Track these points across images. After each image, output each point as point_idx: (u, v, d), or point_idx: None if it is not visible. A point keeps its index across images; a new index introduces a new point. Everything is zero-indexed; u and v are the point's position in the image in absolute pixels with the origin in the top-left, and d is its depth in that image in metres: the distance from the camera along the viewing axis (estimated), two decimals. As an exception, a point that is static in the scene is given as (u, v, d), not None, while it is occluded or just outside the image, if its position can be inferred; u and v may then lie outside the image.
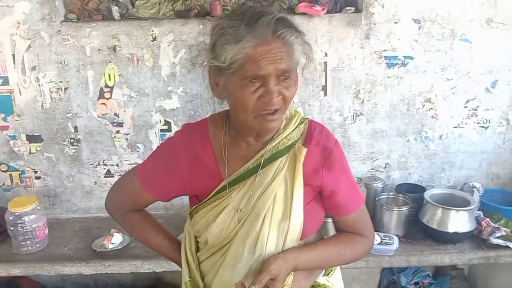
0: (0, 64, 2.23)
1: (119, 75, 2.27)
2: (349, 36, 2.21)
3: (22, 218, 2.02)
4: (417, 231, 2.16)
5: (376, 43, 2.22)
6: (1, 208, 2.18)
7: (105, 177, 2.42)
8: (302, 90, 2.28)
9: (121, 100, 2.31)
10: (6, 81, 2.26)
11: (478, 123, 2.36)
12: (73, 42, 2.21)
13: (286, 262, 1.12)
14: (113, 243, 2.08)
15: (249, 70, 1.02)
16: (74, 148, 2.37)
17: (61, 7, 2.22)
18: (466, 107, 2.33)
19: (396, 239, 2.06)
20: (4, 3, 2.14)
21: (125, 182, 1.31)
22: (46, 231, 2.14)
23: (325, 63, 2.25)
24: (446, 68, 2.26)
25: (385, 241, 2.03)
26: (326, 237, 1.34)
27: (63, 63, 2.24)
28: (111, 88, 2.29)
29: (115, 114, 2.33)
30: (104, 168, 2.41)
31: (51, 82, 2.27)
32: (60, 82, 2.27)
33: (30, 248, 2.07)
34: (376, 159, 2.42)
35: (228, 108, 1.18)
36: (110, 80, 2.27)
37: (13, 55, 2.22)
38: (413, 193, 2.22)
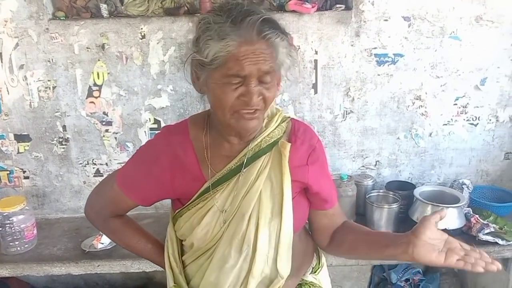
0: (-13, 62, 2.20)
1: (108, 73, 2.25)
2: (339, 34, 2.21)
3: (10, 219, 2.00)
4: (407, 228, 2.07)
5: (366, 41, 2.22)
6: (-11, 209, 2.15)
7: (94, 176, 2.40)
8: (293, 88, 2.28)
9: (110, 98, 2.29)
10: (-7, 80, 2.23)
11: (467, 120, 2.37)
12: (61, 40, 2.19)
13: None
14: (102, 243, 2.06)
15: (231, 69, 1.01)
16: (63, 148, 2.35)
17: (49, 5, 2.20)
18: (455, 104, 2.34)
19: (386, 237, 2.06)
20: (-10, 1, 2.11)
21: (105, 188, 1.28)
22: (35, 231, 2.13)
23: (315, 61, 2.25)
24: (436, 65, 2.27)
25: (375, 238, 2.04)
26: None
27: (51, 61, 2.22)
28: (100, 86, 2.27)
29: (104, 113, 2.31)
30: (93, 168, 2.40)
31: (39, 80, 2.24)
32: (48, 80, 2.24)
33: (18, 248, 2.05)
34: (367, 157, 2.43)
35: (209, 108, 1.17)
36: (98, 78, 2.25)
37: (0, 53, 2.19)
38: (403, 190, 2.22)
